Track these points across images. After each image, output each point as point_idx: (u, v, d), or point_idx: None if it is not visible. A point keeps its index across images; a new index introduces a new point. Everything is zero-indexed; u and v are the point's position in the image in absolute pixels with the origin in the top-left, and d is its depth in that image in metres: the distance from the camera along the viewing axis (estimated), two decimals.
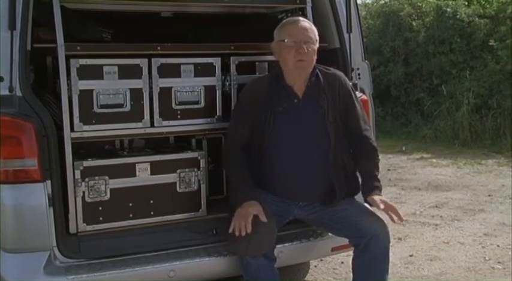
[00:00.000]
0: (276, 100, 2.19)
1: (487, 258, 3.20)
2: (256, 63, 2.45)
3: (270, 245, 2.13)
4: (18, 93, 2.01)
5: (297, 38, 2.14)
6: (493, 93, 6.80)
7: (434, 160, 5.92)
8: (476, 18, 7.23)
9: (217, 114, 2.39)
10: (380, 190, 2.18)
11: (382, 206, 2.07)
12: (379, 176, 2.22)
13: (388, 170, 5.45)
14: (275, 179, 2.23)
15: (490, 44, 6.88)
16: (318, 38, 2.21)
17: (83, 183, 2.16)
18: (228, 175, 2.26)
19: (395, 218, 2.08)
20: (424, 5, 7.83)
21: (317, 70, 2.23)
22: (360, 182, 2.24)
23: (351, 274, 2.24)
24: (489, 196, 4.50)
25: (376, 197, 2.11)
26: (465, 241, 3.48)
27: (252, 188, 2.16)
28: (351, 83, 2.30)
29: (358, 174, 2.27)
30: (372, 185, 2.18)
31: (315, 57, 2.19)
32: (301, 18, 2.24)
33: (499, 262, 3.13)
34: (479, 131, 6.68)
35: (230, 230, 2.07)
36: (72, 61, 2.13)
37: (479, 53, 7.14)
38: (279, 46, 2.20)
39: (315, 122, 2.20)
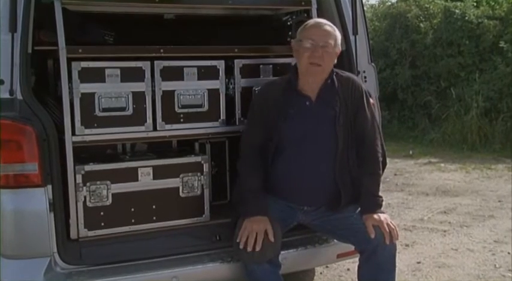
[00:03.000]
0: (288, 102, 2.17)
1: (497, 266, 3.14)
2: (261, 66, 2.42)
3: (274, 251, 2.10)
4: (19, 96, 1.99)
5: (314, 40, 2.12)
6: (503, 96, 6.72)
7: (442, 165, 5.84)
8: (486, 20, 7.15)
9: (221, 118, 2.36)
10: (380, 206, 2.15)
11: (372, 235, 2.05)
12: (379, 192, 2.18)
13: (395, 174, 5.39)
14: (283, 180, 2.20)
15: (500, 46, 6.80)
16: (339, 43, 2.18)
17: (85, 188, 2.13)
18: (240, 179, 2.23)
19: (387, 239, 2.04)
20: (431, 7, 7.76)
21: (333, 73, 2.20)
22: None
23: None
24: (499, 201, 4.43)
25: (370, 221, 2.08)
26: (474, 247, 3.42)
27: (263, 199, 2.14)
28: (365, 88, 2.25)
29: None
30: (368, 203, 2.14)
31: (331, 63, 2.16)
32: (324, 22, 2.20)
33: (509, 270, 3.07)
34: (488, 135, 6.59)
35: (238, 240, 2.06)
36: (74, 64, 2.11)
37: (489, 55, 7.06)
38: (297, 45, 2.18)
39: (326, 125, 2.17)
